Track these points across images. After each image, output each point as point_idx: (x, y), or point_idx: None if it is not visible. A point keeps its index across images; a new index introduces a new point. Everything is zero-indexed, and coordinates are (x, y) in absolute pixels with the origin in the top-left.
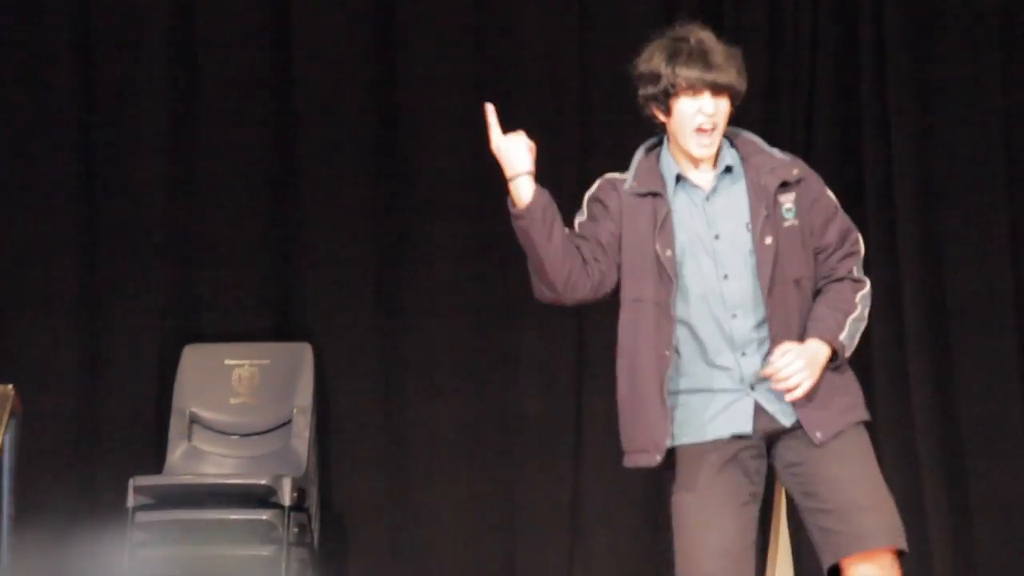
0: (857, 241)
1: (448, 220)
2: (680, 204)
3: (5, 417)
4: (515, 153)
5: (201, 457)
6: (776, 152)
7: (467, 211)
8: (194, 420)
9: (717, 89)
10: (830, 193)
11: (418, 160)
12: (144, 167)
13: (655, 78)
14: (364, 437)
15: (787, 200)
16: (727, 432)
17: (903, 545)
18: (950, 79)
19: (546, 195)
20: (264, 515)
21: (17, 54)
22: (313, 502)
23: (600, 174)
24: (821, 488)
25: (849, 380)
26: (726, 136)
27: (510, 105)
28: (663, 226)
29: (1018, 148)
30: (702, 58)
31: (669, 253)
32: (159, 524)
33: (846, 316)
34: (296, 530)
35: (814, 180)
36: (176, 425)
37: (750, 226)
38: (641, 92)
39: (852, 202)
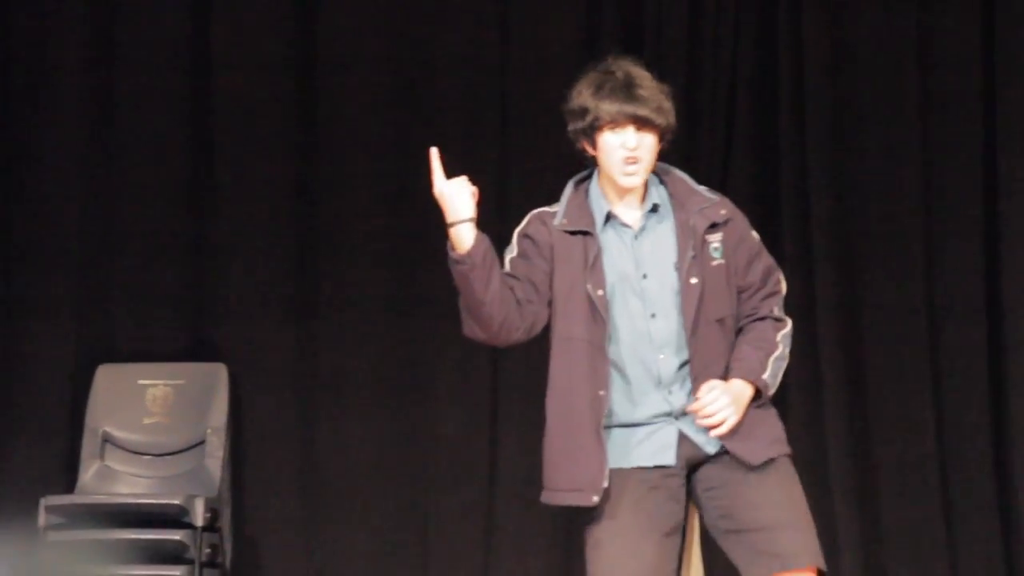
0: (779, 281)
1: (365, 242)
2: (609, 242)
3: None
4: (458, 199)
5: (114, 477)
6: (704, 191)
7: (385, 234)
8: (107, 440)
9: (640, 123)
10: (754, 233)
11: (336, 182)
12: (58, 183)
13: (582, 112)
14: (278, 458)
15: (714, 239)
16: (651, 462)
17: (824, 565)
18: (868, 111)
19: (486, 241)
20: (177, 535)
21: None
22: (226, 522)
23: (519, 203)
24: (743, 509)
25: (772, 416)
26: (656, 174)
27: (429, 134)
28: (594, 265)
29: (936, 180)
30: (626, 91)
31: (600, 292)
32: (71, 544)
33: (768, 355)
34: (209, 551)
35: (740, 220)
36: (89, 444)
37: (677, 265)
38: (570, 127)
39: (771, 239)
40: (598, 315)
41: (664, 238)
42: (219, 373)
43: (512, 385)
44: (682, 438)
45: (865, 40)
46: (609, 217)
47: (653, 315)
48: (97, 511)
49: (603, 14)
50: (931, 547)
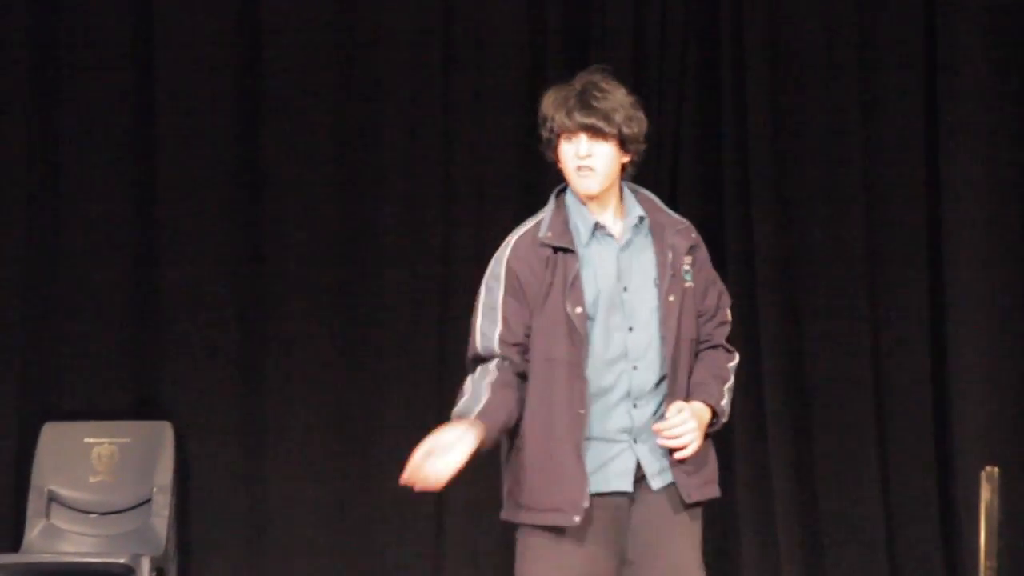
0: (728, 309)
1: (311, 299)
2: (593, 255)
3: None
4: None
5: (59, 535)
6: (673, 213)
7: (330, 290)
8: (52, 498)
9: (590, 131)
10: (708, 259)
11: (282, 237)
12: (1, 245)
13: (543, 123)
14: (224, 516)
15: (686, 262)
16: (607, 488)
17: None
18: (809, 144)
19: (489, 430)
20: None
21: None
22: None
23: (464, 192)
24: (654, 556)
25: (712, 452)
26: (630, 191)
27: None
28: (573, 284)
29: (879, 224)
30: (580, 101)
31: (579, 310)
32: None
33: (723, 384)
34: None
35: (702, 245)
36: (34, 503)
37: (657, 282)
38: (541, 138)
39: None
40: (576, 334)
41: (645, 253)
42: (164, 431)
43: None
44: (637, 466)
45: (808, 67)
46: (596, 228)
47: (631, 328)
48: (43, 570)
49: (547, 24)
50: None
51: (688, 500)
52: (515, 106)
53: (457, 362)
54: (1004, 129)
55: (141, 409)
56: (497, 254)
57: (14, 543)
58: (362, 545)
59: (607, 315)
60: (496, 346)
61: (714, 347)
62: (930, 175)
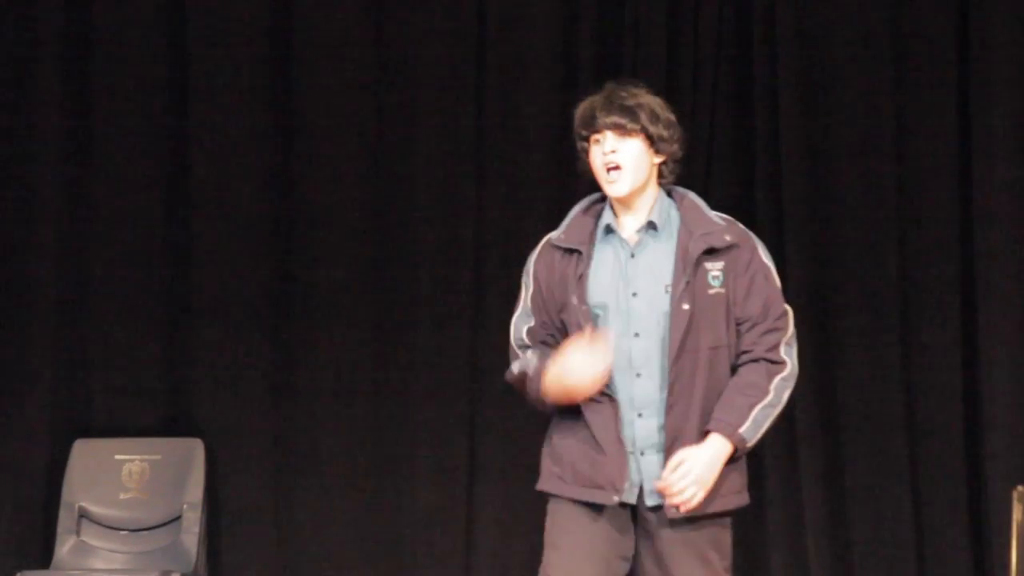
0: (783, 317)
1: (342, 315)
2: (604, 258)
3: None
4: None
5: (90, 552)
6: (715, 216)
7: (361, 306)
8: (83, 515)
9: (616, 128)
10: (768, 263)
11: (313, 254)
12: (35, 261)
13: (576, 137)
14: (254, 533)
15: (715, 267)
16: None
17: None
18: (843, 163)
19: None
20: None
21: None
22: None
23: (496, 201)
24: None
25: (733, 468)
26: (672, 197)
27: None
28: (580, 280)
29: (912, 243)
30: (605, 102)
31: (584, 308)
32: None
33: (752, 405)
34: None
35: (747, 248)
36: (65, 519)
37: (669, 289)
38: (578, 157)
39: None
40: (579, 327)
41: (662, 259)
42: (196, 448)
43: (488, 461)
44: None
45: (840, 83)
46: (609, 230)
47: (636, 334)
48: None
49: (580, 39)
50: None
51: (669, 514)
52: (548, 122)
53: (489, 378)
54: None
55: (172, 426)
56: (533, 252)
57: (44, 560)
58: (393, 561)
59: (613, 319)
60: (525, 337)
61: (756, 360)
62: (964, 192)
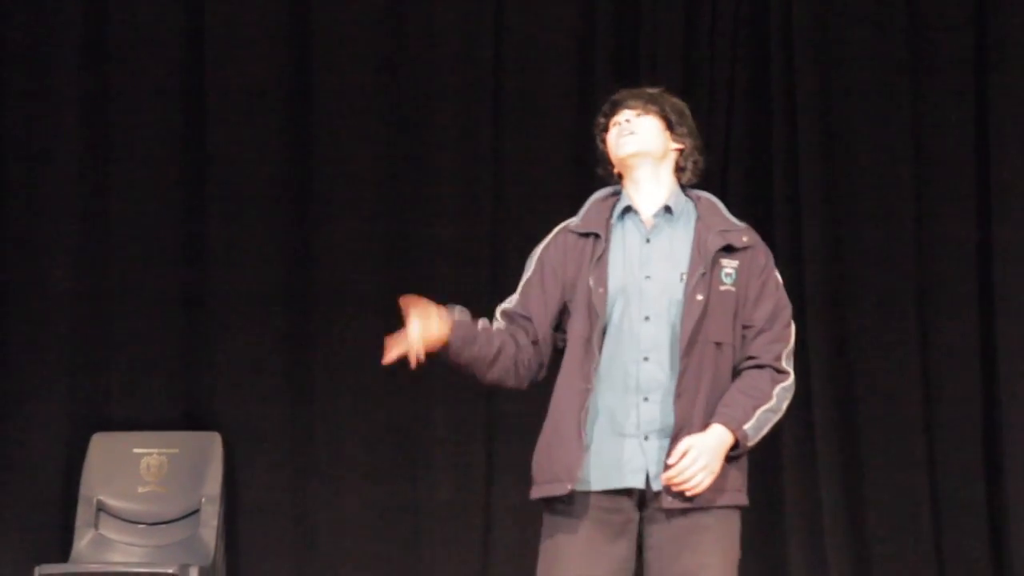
0: (787, 327)
1: (359, 310)
2: (620, 240)
3: None
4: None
5: (108, 545)
6: (733, 218)
7: (378, 301)
8: (101, 508)
9: (632, 107)
10: (776, 275)
11: (330, 249)
12: (52, 255)
13: (597, 125)
14: (272, 527)
15: (729, 265)
16: (621, 484)
17: None
18: (860, 164)
19: (460, 332)
20: None
21: None
22: None
23: (514, 196)
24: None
25: (735, 466)
26: (688, 196)
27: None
28: (598, 263)
29: (929, 240)
30: (627, 92)
31: (601, 290)
32: None
33: (756, 407)
34: None
35: (763, 253)
36: (83, 513)
37: (684, 277)
38: (598, 161)
39: None
40: (594, 311)
41: (679, 246)
42: (213, 441)
43: (505, 458)
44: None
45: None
46: (626, 211)
47: (647, 318)
48: None
49: (596, 44)
50: None
51: (664, 503)
52: (566, 123)
53: None
54: None
55: (190, 419)
56: (543, 240)
57: (63, 553)
58: (410, 556)
59: (624, 302)
60: (498, 312)
61: (760, 367)
62: (981, 188)
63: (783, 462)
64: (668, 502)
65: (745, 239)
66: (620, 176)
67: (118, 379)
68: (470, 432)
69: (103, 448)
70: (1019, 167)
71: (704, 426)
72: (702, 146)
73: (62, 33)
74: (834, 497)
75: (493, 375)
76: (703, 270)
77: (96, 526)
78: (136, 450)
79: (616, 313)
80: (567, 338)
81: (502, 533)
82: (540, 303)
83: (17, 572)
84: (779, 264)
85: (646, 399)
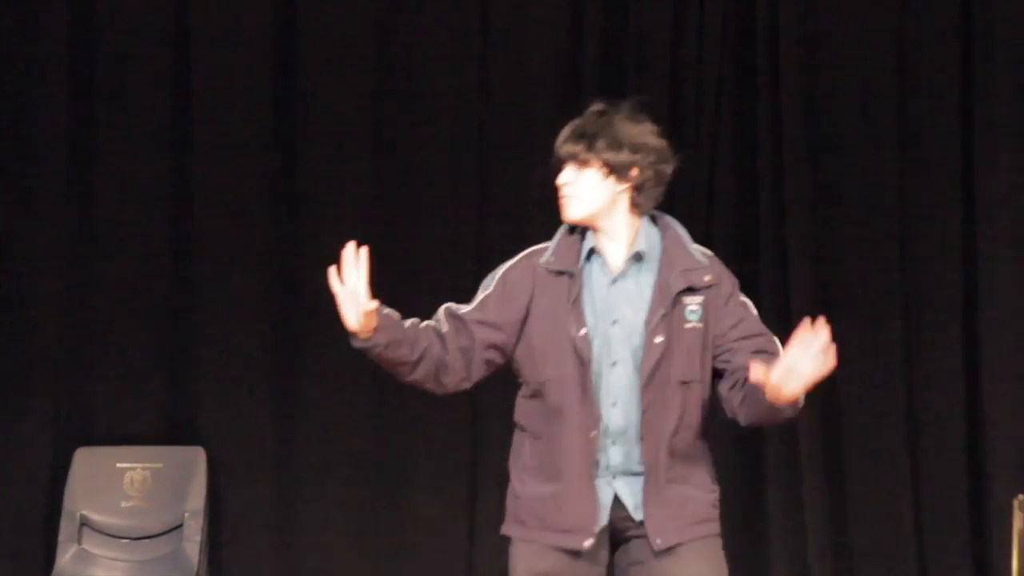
0: (772, 342)
1: (343, 324)
2: (589, 281)
3: None
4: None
5: (91, 560)
6: (697, 251)
7: None
8: (84, 523)
9: (570, 159)
10: (744, 298)
11: (317, 266)
12: (36, 269)
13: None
14: (256, 541)
15: (692, 302)
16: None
17: None
18: (845, 177)
19: (388, 324)
20: None
21: None
22: None
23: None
24: None
25: (694, 494)
26: (657, 226)
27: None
28: (575, 304)
29: (914, 258)
30: (571, 130)
31: (583, 332)
32: None
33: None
34: None
35: (727, 283)
36: (66, 528)
37: (646, 321)
38: None
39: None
40: (580, 356)
41: (642, 290)
42: (197, 456)
43: (490, 469)
44: (616, 501)
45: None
46: (592, 254)
47: (614, 363)
48: None
49: (584, 52)
50: None
51: (655, 546)
52: (551, 131)
53: (490, 395)
54: None
55: (174, 434)
56: (507, 262)
57: (46, 568)
58: (395, 570)
59: (597, 346)
60: (446, 308)
61: (764, 351)
62: (966, 191)
63: (766, 470)
64: (657, 544)
65: (707, 278)
66: None
67: (102, 394)
68: (454, 443)
69: (87, 463)
70: (1003, 165)
71: (668, 468)
72: (661, 161)
73: (48, 35)
74: (817, 506)
75: (413, 377)
76: (663, 311)
77: (79, 541)
78: (120, 465)
79: (593, 359)
80: (543, 377)
81: (486, 549)
82: (493, 321)
83: None
84: (764, 269)
85: (613, 443)
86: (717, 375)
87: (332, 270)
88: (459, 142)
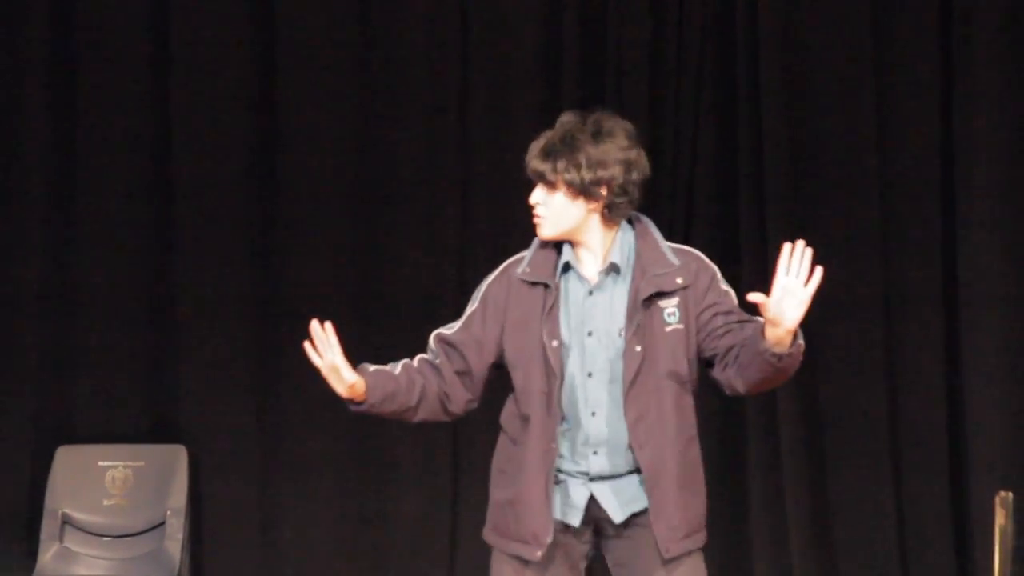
0: (756, 321)
1: (325, 321)
2: (565, 292)
3: None
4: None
5: (73, 559)
6: (670, 252)
7: (347, 318)
8: (66, 521)
9: (539, 179)
10: (725, 286)
11: (299, 264)
12: (16, 267)
13: None
14: (238, 540)
15: (668, 305)
16: (557, 515)
17: None
18: (825, 174)
19: (377, 385)
20: None
21: None
22: None
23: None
24: None
25: (698, 501)
26: (635, 231)
27: (390, 206)
28: (549, 315)
29: (895, 254)
30: (540, 149)
31: (555, 343)
32: None
33: None
34: None
35: (704, 278)
36: (48, 526)
37: (623, 332)
38: None
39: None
40: (550, 368)
41: (617, 301)
42: (179, 455)
43: (472, 467)
44: (591, 501)
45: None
46: (568, 267)
47: (590, 374)
48: None
49: (564, 53)
50: None
51: (666, 555)
52: (531, 133)
53: None
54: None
55: (156, 432)
56: (490, 275)
57: (28, 566)
58: (377, 569)
59: (573, 356)
60: (432, 339)
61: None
62: (946, 196)
63: (749, 472)
64: (666, 553)
65: (679, 280)
66: None
67: (83, 392)
68: (436, 440)
69: (68, 461)
70: (983, 170)
71: (681, 468)
72: (634, 165)
73: (29, 37)
74: (800, 507)
75: (420, 418)
76: (638, 321)
77: (61, 539)
78: (101, 463)
79: (567, 368)
80: (515, 384)
81: (469, 547)
82: (478, 338)
83: None
84: (745, 263)
85: (595, 452)
86: (708, 365)
87: (307, 346)
88: (439, 146)
